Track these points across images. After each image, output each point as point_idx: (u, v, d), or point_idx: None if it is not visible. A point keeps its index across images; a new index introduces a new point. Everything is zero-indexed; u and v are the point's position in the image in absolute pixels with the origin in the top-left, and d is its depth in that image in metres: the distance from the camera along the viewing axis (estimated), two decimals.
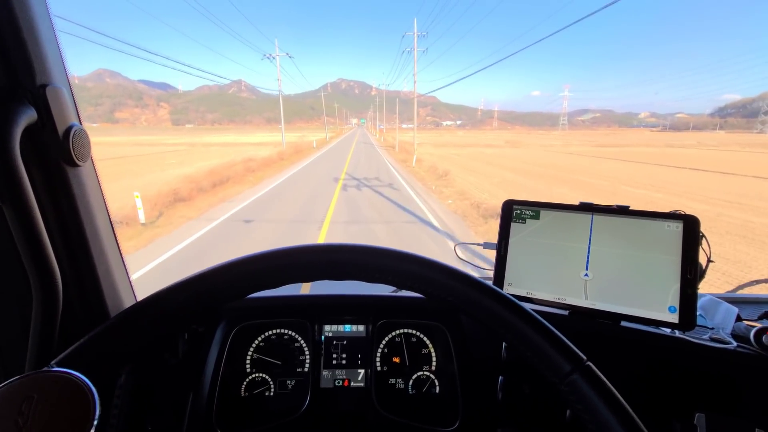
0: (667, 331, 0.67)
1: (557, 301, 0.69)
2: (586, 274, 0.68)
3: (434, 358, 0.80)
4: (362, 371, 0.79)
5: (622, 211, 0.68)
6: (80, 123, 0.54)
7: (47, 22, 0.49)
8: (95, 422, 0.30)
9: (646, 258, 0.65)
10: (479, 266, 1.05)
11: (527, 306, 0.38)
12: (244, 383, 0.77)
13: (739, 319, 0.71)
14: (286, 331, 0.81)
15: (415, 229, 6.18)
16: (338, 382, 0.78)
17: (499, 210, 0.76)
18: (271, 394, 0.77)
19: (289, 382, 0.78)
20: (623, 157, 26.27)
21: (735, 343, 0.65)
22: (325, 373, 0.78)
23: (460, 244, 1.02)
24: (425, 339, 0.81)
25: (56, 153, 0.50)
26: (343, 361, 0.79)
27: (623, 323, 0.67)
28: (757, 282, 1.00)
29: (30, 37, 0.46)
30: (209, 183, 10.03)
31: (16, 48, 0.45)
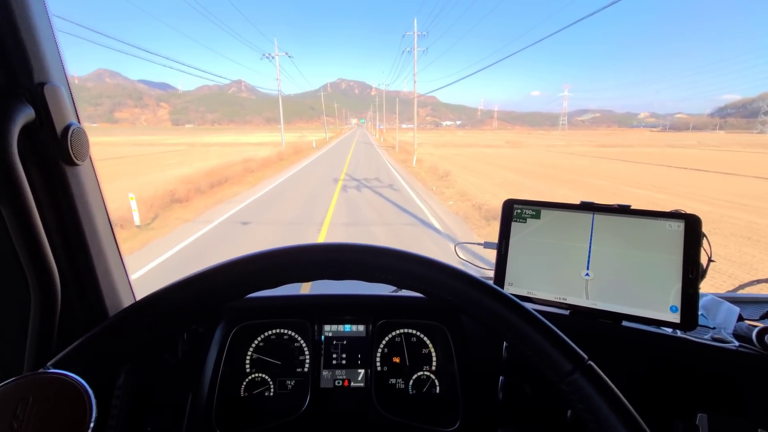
0: (669, 330, 0.67)
1: (558, 300, 0.69)
2: (587, 274, 0.68)
3: (434, 358, 0.80)
4: (362, 371, 0.79)
5: (623, 210, 0.68)
6: (79, 122, 0.53)
7: (45, 20, 0.49)
8: (92, 425, 0.30)
9: (648, 257, 0.65)
10: (480, 266, 1.04)
11: (528, 306, 0.38)
12: (244, 383, 0.77)
13: (740, 318, 0.71)
14: (285, 331, 0.81)
15: (416, 232, 6.10)
16: (338, 382, 0.78)
17: (500, 211, 0.76)
18: (271, 394, 0.77)
19: (288, 382, 0.78)
20: (624, 157, 26.27)
21: (737, 343, 0.65)
22: (325, 373, 0.78)
23: (460, 243, 1.01)
24: (425, 339, 0.81)
25: (54, 152, 0.49)
26: (343, 361, 0.79)
27: (624, 323, 0.67)
28: (759, 282, 1.00)
29: (28, 35, 0.45)
30: (207, 184, 9.98)
31: (14, 46, 0.44)
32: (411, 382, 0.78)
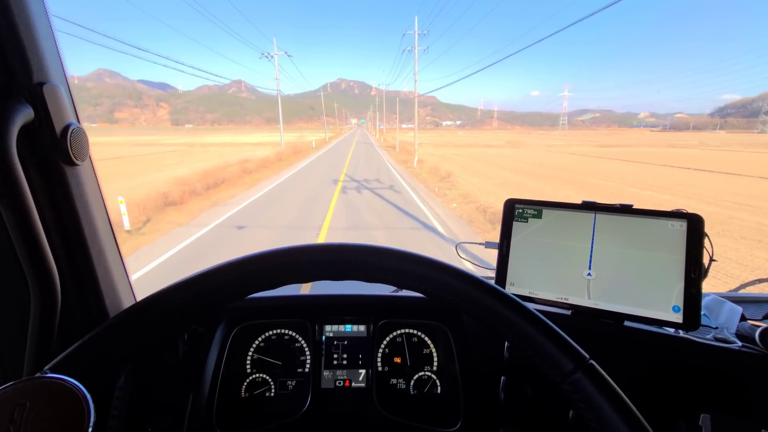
0: (671, 330, 0.67)
1: (560, 300, 0.69)
2: (589, 274, 0.68)
3: (435, 359, 0.80)
4: (363, 371, 0.78)
5: (626, 209, 0.67)
6: (78, 122, 0.53)
7: (44, 20, 0.48)
8: (90, 429, 0.30)
9: (650, 257, 0.65)
10: (480, 266, 1.04)
11: (529, 306, 0.38)
12: (245, 384, 0.77)
13: (743, 318, 0.71)
14: (286, 332, 0.80)
15: (419, 236, 5.89)
16: (339, 383, 0.77)
17: None
18: (272, 394, 0.77)
19: (289, 382, 0.78)
20: (626, 157, 26.24)
21: (739, 343, 0.64)
22: (325, 373, 0.78)
23: (461, 243, 1.01)
24: (426, 339, 0.81)
25: (54, 152, 0.49)
26: (344, 362, 0.79)
27: (626, 323, 0.67)
28: (761, 281, 1.00)
29: (27, 35, 0.45)
30: (203, 185, 9.83)
31: (14, 46, 0.44)
32: (412, 383, 0.78)
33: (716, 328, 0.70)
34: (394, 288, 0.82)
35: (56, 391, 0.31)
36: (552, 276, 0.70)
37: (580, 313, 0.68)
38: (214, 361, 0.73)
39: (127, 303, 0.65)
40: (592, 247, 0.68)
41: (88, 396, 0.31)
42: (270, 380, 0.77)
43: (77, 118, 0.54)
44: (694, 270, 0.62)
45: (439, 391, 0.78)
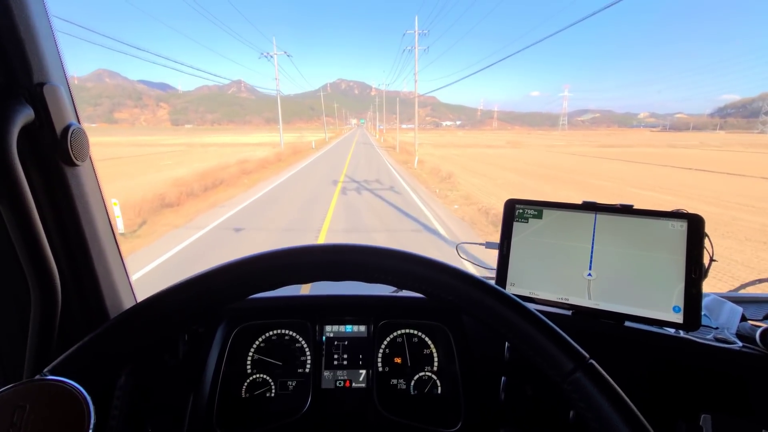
0: (672, 331, 0.67)
1: (560, 301, 0.69)
2: (590, 274, 0.68)
3: (436, 359, 0.80)
4: (363, 372, 0.78)
5: (626, 210, 0.67)
6: (79, 122, 0.53)
7: (45, 20, 0.48)
8: (90, 431, 0.30)
9: (650, 257, 0.65)
10: (481, 267, 1.04)
11: (530, 306, 0.38)
12: (245, 384, 0.76)
13: (743, 318, 0.71)
14: (286, 332, 0.80)
15: (421, 239, 5.75)
16: (339, 383, 0.77)
17: None
18: (272, 395, 0.77)
19: (290, 382, 0.78)
20: (626, 157, 26.23)
21: (740, 343, 0.64)
22: (326, 373, 0.78)
23: (461, 243, 1.01)
24: (427, 339, 0.81)
25: (54, 152, 0.49)
26: (345, 362, 0.79)
27: (627, 323, 0.67)
28: (761, 281, 1.00)
29: (27, 35, 0.45)
30: (201, 186, 9.73)
31: (14, 46, 0.44)
32: (412, 383, 0.78)
33: (717, 328, 0.70)
34: (395, 288, 0.82)
35: (56, 393, 0.30)
36: (552, 276, 0.70)
37: (581, 313, 0.68)
38: (214, 361, 0.73)
39: (127, 304, 0.65)
40: (592, 247, 0.68)
41: (88, 398, 0.31)
42: (270, 380, 0.77)
43: (77, 118, 0.54)
44: (695, 270, 0.62)
45: (439, 391, 0.78)
